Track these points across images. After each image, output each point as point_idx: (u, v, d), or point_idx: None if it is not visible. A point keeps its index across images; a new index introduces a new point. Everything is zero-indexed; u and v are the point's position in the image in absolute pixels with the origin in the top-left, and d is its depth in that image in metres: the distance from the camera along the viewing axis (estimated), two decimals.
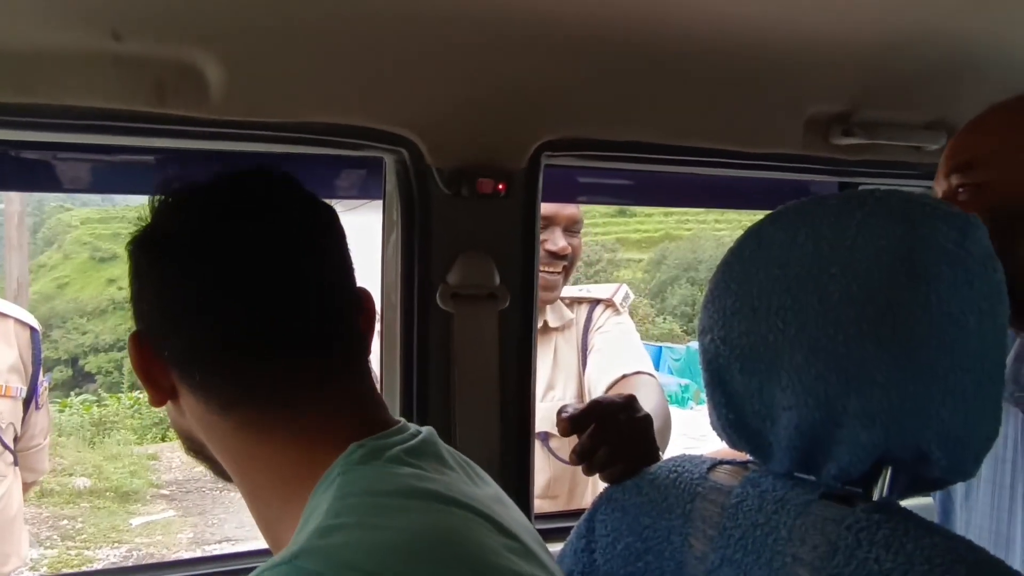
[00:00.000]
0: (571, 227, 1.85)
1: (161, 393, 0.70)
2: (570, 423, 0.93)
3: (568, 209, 1.83)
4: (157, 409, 0.75)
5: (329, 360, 0.69)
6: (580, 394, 1.92)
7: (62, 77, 0.92)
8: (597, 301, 1.97)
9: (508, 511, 0.70)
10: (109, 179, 1.12)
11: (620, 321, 1.98)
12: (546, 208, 1.78)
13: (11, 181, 1.16)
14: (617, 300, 1.98)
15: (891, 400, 0.65)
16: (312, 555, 0.55)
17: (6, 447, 1.80)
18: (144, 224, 0.70)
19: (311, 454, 0.65)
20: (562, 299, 1.94)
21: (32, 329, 1.90)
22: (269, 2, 0.93)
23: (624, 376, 1.82)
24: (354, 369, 0.71)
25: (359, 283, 0.74)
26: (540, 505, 1.82)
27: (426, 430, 0.71)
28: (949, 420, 0.65)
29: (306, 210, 0.71)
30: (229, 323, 0.66)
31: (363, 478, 0.61)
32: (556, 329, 1.91)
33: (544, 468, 1.85)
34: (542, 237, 1.77)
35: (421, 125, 1.12)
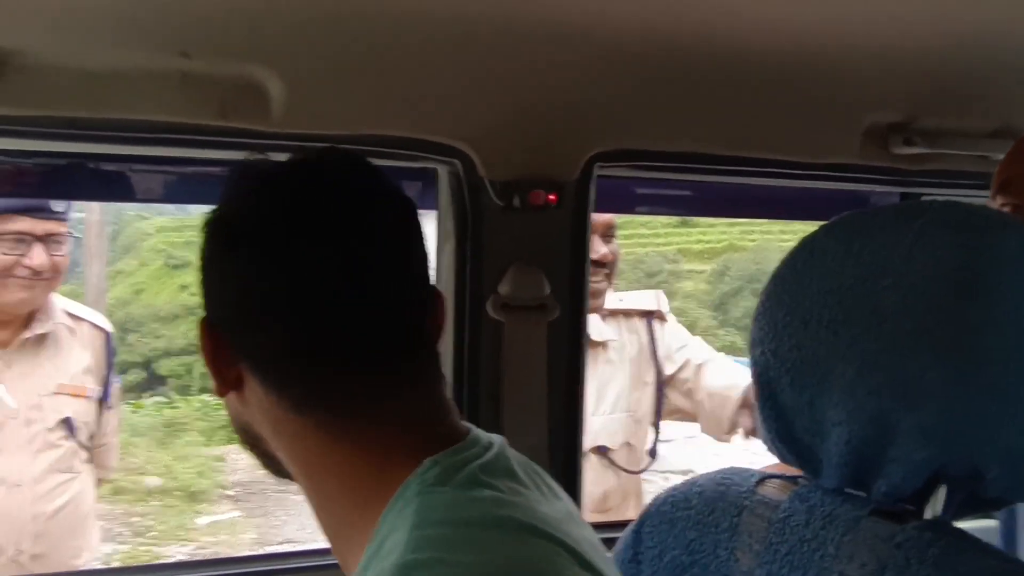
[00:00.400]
0: (608, 232, 1.86)
1: (227, 383, 0.67)
2: None
3: (602, 216, 1.83)
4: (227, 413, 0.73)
5: (410, 363, 0.65)
6: (634, 409, 1.92)
7: (134, 94, 0.98)
8: (650, 314, 1.97)
9: (581, 531, 0.67)
10: (177, 190, 1.18)
11: (684, 331, 2.02)
12: None
13: (88, 192, 1.23)
14: (665, 309, 1.99)
15: (948, 416, 0.64)
16: None
17: (81, 445, 1.87)
18: (218, 205, 0.66)
19: (387, 463, 0.62)
20: (606, 311, 1.94)
21: (106, 332, 1.97)
22: (327, 21, 0.97)
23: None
24: (429, 374, 0.67)
25: None
26: (593, 520, 1.83)
27: (498, 441, 0.67)
28: (1010, 438, 0.63)
29: (391, 201, 0.66)
30: (306, 323, 0.62)
31: (441, 504, 0.58)
32: (599, 344, 1.92)
33: (599, 481, 1.86)
34: None
35: (474, 137, 1.14)
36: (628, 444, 1.93)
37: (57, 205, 1.77)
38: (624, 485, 1.92)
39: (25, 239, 1.73)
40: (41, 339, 1.84)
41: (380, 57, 1.06)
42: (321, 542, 0.72)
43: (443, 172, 1.19)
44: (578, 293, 1.22)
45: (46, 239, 1.76)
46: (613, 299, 1.99)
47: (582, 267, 1.22)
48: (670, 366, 1.96)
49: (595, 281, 1.82)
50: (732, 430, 1.89)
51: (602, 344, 1.93)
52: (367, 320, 0.63)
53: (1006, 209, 0.91)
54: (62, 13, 0.88)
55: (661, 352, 1.96)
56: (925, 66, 1.23)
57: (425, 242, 0.68)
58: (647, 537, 0.88)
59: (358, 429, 0.63)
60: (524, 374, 1.18)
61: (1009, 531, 1.05)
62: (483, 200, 1.16)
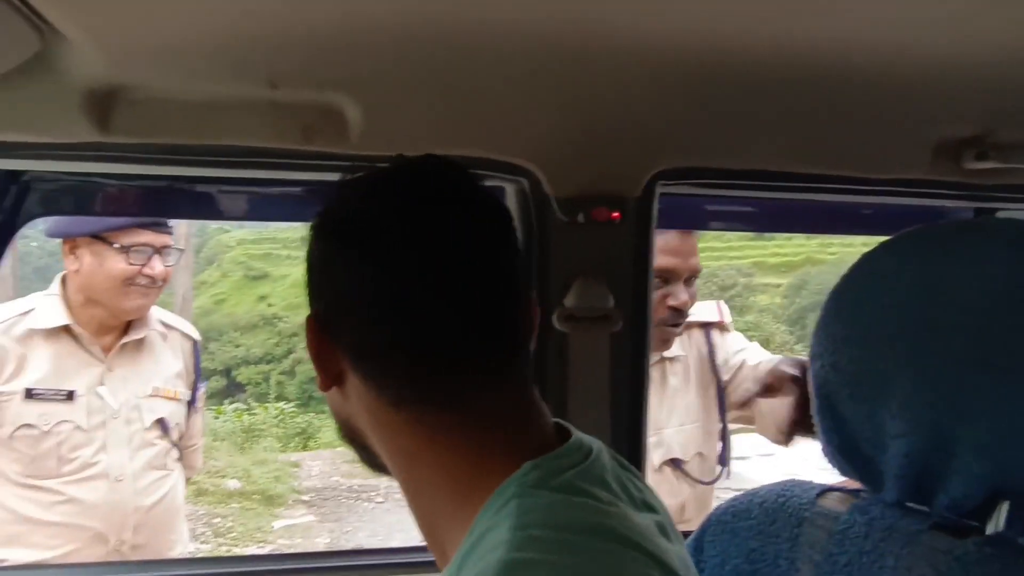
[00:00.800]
0: (692, 277, 1.83)
1: (330, 378, 0.69)
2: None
3: (692, 260, 1.81)
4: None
5: (503, 365, 0.67)
6: (703, 418, 1.93)
7: (226, 121, 1.05)
8: (709, 324, 1.97)
9: (672, 546, 0.68)
10: (261, 209, 1.26)
11: (742, 339, 2.00)
12: (670, 261, 1.76)
13: (185, 211, 1.32)
14: (726, 319, 1.98)
15: (1003, 431, 0.64)
16: None
17: (173, 445, 1.99)
18: (328, 207, 0.69)
19: (483, 460, 0.64)
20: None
21: (194, 340, 2.11)
22: (401, 50, 1.02)
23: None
24: (522, 375, 0.69)
25: None
26: None
27: (596, 448, 0.68)
28: None
29: (490, 207, 0.69)
30: (406, 321, 0.64)
31: (541, 507, 0.59)
32: (669, 360, 1.93)
33: (675, 493, 1.87)
34: (664, 291, 1.76)
35: (540, 155, 1.18)
36: (700, 455, 1.93)
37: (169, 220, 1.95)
38: (699, 496, 1.92)
39: (147, 250, 1.89)
40: (139, 344, 1.97)
41: (448, 81, 1.11)
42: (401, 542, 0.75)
43: (510, 189, 1.23)
44: (641, 306, 1.24)
45: (162, 250, 1.92)
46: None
47: (645, 280, 1.24)
48: (728, 372, 1.95)
49: (672, 326, 1.81)
50: (789, 431, 1.80)
51: (670, 359, 1.93)
52: (464, 320, 0.65)
53: None
54: (165, 49, 0.96)
55: (720, 360, 1.95)
56: (997, 79, 1.20)
57: (520, 250, 0.71)
58: (708, 546, 0.90)
59: (453, 426, 0.65)
60: (588, 384, 1.20)
61: None
62: (548, 216, 1.20)
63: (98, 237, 1.84)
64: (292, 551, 6.43)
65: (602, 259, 1.21)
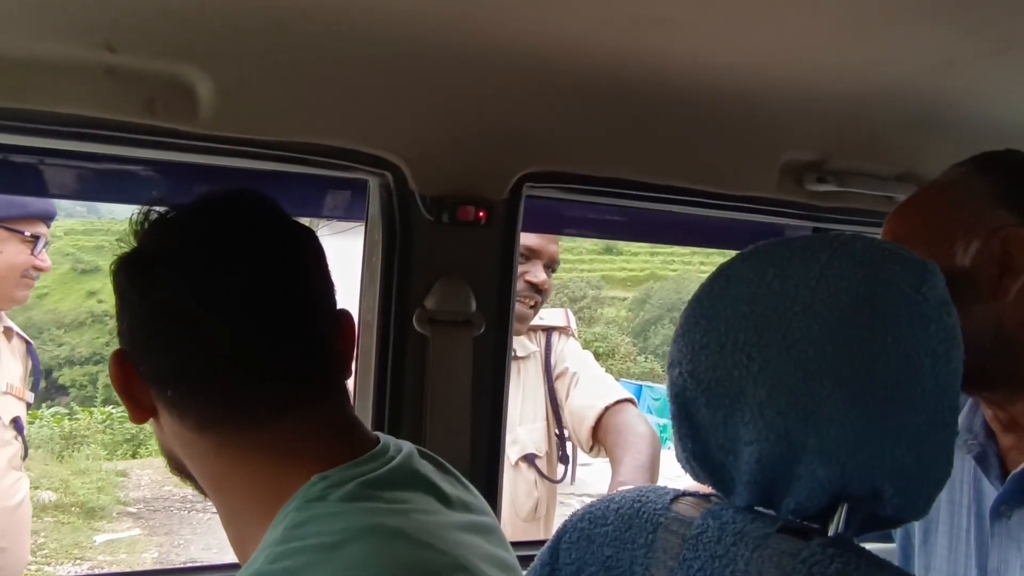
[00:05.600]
0: (551, 264, 1.92)
1: (140, 411, 0.71)
2: None
3: (552, 247, 1.90)
4: (132, 425, 0.76)
5: (307, 383, 0.69)
6: (547, 417, 1.98)
7: (54, 84, 0.94)
8: (553, 328, 2.02)
9: (485, 544, 0.70)
10: (96, 187, 1.13)
11: (576, 346, 2.05)
12: (533, 241, 1.85)
13: (3, 185, 1.17)
14: (572, 326, 2.04)
15: (847, 438, 0.67)
16: None
17: (24, 446, 1.90)
18: (127, 246, 0.71)
19: (284, 477, 0.65)
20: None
21: (27, 342, 2.01)
22: (262, 25, 0.96)
23: (608, 407, 1.88)
24: (332, 392, 0.71)
25: (344, 304, 0.74)
26: (528, 529, 1.85)
27: (404, 453, 0.70)
28: (902, 459, 0.67)
29: (287, 232, 0.71)
30: (206, 343, 0.66)
31: (313, 518, 0.61)
32: (523, 359, 1.97)
33: (531, 492, 1.88)
34: (524, 269, 1.83)
35: (406, 150, 1.15)
36: (547, 453, 1.97)
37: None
38: (549, 496, 1.97)
39: (43, 241, 1.81)
40: None
41: (316, 65, 1.06)
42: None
43: (374, 184, 1.18)
44: (504, 310, 1.23)
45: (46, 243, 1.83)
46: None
47: (509, 284, 1.23)
48: (555, 374, 2.00)
49: (528, 304, 1.87)
50: (591, 449, 1.92)
51: (523, 358, 1.96)
52: (257, 340, 0.67)
53: None
54: None
55: (552, 361, 2.00)
56: (840, 111, 1.30)
57: (327, 270, 0.73)
58: (564, 554, 0.89)
59: (256, 447, 0.67)
60: (448, 388, 1.18)
61: (905, 553, 1.11)
62: (412, 213, 1.17)
63: (3, 224, 1.76)
64: (113, 571, 5.96)
65: (466, 261, 1.20)
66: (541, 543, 0.94)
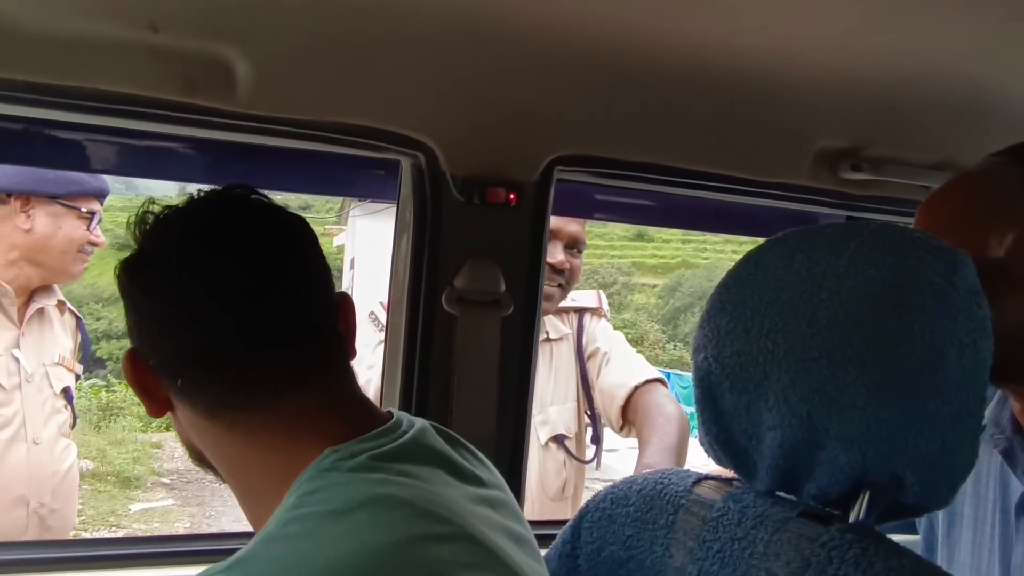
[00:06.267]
0: (572, 245, 1.89)
1: (156, 404, 0.74)
2: None
3: (571, 226, 1.88)
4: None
5: (311, 364, 0.71)
6: (578, 398, 1.98)
7: (98, 63, 0.96)
8: (585, 309, 2.02)
9: (496, 516, 0.71)
10: (135, 163, 1.16)
11: (608, 327, 2.05)
12: (551, 222, 1.84)
13: (44, 159, 1.20)
14: (604, 307, 2.04)
15: (870, 425, 0.67)
16: (247, 564, 0.58)
17: (73, 416, 1.96)
18: (130, 249, 0.75)
19: (295, 454, 0.67)
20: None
21: (77, 316, 2.07)
22: (300, 5, 0.97)
23: (638, 386, 1.89)
24: (335, 370, 0.73)
25: (376, 282, 0.77)
26: (555, 509, 1.88)
27: (417, 428, 0.72)
28: (925, 448, 0.67)
29: (282, 222, 0.74)
30: (212, 332, 0.69)
31: (323, 487, 0.63)
32: (555, 340, 1.98)
33: (559, 472, 1.90)
34: None
35: (439, 132, 1.15)
36: (577, 434, 1.99)
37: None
38: (578, 477, 1.98)
39: (97, 217, 1.88)
40: (43, 313, 1.94)
41: (351, 46, 1.07)
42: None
43: (406, 164, 1.19)
44: (532, 291, 1.24)
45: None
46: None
47: (538, 266, 1.23)
48: (587, 357, 2.01)
49: (552, 284, 1.86)
50: (621, 429, 1.93)
51: (556, 340, 1.97)
52: (260, 326, 0.70)
53: None
54: None
55: (584, 342, 2.00)
56: (877, 98, 1.28)
57: (323, 256, 0.76)
58: (586, 532, 0.90)
59: (265, 427, 0.69)
60: (475, 368, 1.19)
61: (928, 545, 1.10)
62: (444, 194, 1.18)
63: (57, 199, 1.82)
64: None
65: (495, 242, 1.20)
66: (564, 522, 0.95)
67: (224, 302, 0.69)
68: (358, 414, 0.73)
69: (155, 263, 0.72)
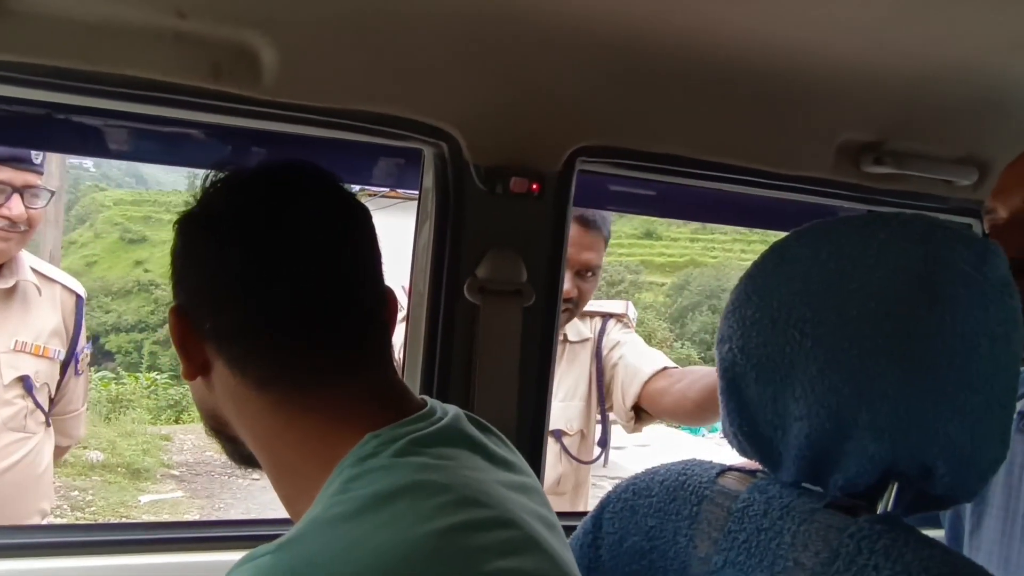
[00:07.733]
0: (584, 271, 1.86)
1: (194, 367, 0.73)
2: None
3: (585, 254, 1.84)
4: (176, 391, 0.77)
5: (361, 348, 0.72)
6: (588, 397, 1.99)
7: (125, 49, 0.97)
8: (610, 315, 2.02)
9: (529, 502, 0.72)
10: (160, 149, 1.17)
11: (631, 333, 2.04)
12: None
13: (69, 145, 1.21)
14: (629, 314, 2.03)
15: (899, 415, 0.67)
16: (296, 545, 0.59)
17: (38, 406, 1.81)
18: (193, 203, 0.73)
19: (338, 438, 0.67)
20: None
21: (77, 296, 1.93)
22: None
23: (657, 372, 1.90)
24: (381, 359, 0.74)
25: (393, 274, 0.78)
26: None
27: (451, 415, 0.73)
28: (956, 438, 0.67)
29: (345, 205, 0.74)
30: (273, 302, 0.68)
31: (366, 471, 0.63)
32: (575, 343, 1.98)
33: (555, 465, 1.90)
34: None
35: (462, 121, 1.15)
36: (583, 433, 1.98)
37: (36, 157, 1.73)
38: (577, 474, 1.98)
39: (4, 189, 1.68)
40: (7, 294, 1.78)
41: (376, 35, 1.07)
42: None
43: (429, 153, 1.20)
44: (553, 282, 1.24)
45: (24, 190, 1.70)
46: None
47: (559, 256, 1.24)
48: (604, 355, 2.01)
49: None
50: (633, 421, 1.94)
51: (577, 343, 1.98)
52: (324, 304, 0.70)
53: (990, 216, 0.96)
54: None
55: (603, 345, 2.00)
56: (901, 91, 1.27)
57: (378, 246, 0.76)
58: (607, 523, 0.90)
59: (313, 406, 0.69)
60: (496, 357, 1.19)
61: (955, 534, 1.10)
62: (466, 183, 1.18)
63: None
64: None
65: (517, 232, 1.21)
66: (581, 515, 0.95)
67: (285, 273, 0.69)
68: (399, 402, 0.73)
69: (222, 220, 0.71)
